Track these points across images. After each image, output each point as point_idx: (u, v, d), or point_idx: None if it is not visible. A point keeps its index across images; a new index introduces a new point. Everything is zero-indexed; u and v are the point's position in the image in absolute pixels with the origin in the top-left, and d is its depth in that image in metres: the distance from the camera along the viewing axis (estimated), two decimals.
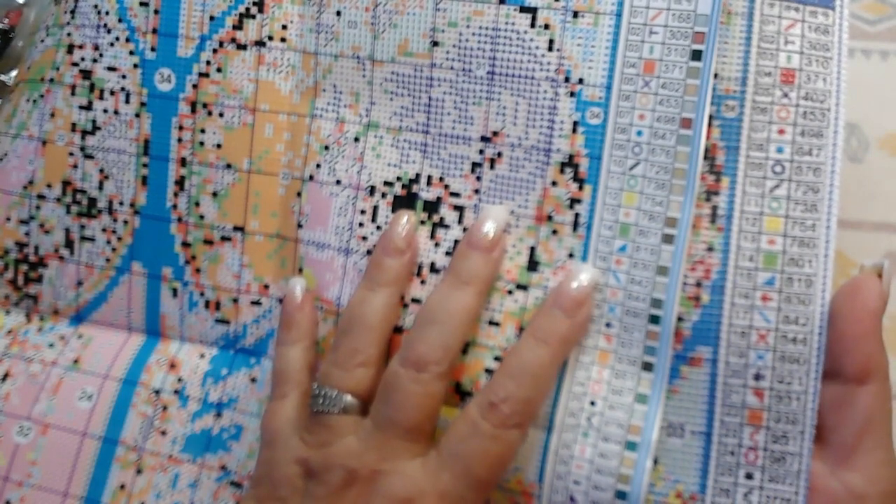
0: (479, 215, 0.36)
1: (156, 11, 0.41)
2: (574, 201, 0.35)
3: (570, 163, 0.35)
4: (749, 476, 0.32)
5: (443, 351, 0.34)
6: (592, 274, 0.34)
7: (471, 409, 0.33)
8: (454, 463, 0.32)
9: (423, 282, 0.37)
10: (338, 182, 0.39)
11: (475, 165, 0.36)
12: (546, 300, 0.35)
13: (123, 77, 0.41)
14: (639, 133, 0.34)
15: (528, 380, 0.33)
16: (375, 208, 0.38)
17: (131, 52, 0.41)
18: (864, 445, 0.31)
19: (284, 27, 0.40)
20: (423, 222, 0.37)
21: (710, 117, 0.33)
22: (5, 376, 0.42)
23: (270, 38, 0.40)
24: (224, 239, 0.41)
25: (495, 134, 0.36)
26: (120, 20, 0.41)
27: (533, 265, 0.35)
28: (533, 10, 0.35)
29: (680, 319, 0.33)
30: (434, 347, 0.34)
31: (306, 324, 0.38)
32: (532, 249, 0.36)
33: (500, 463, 0.33)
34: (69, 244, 0.42)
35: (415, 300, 0.37)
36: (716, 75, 0.33)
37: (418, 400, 0.33)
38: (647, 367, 0.33)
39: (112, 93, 0.41)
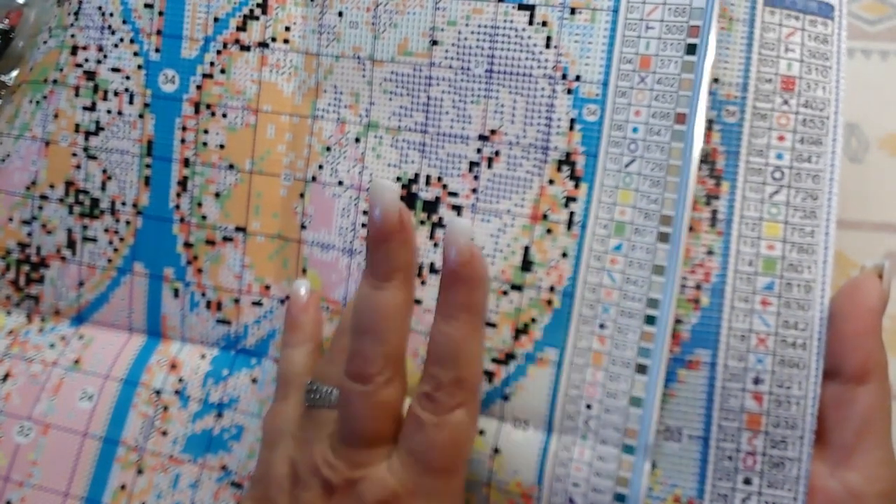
0: (371, 201, 0.33)
1: (160, 13, 0.41)
2: (569, 199, 0.35)
3: (567, 160, 0.35)
4: (747, 481, 0.32)
5: (382, 361, 0.32)
6: (466, 222, 0.31)
7: (412, 405, 0.32)
8: (411, 461, 0.32)
9: (423, 282, 0.37)
10: (340, 183, 0.39)
11: (473, 164, 0.36)
12: (441, 276, 0.33)
13: (127, 78, 0.41)
14: (634, 130, 0.34)
15: (450, 361, 0.32)
16: None
17: (135, 54, 0.41)
18: (863, 445, 0.31)
19: (288, 28, 0.40)
20: (422, 222, 0.37)
21: (711, 121, 0.33)
22: (6, 376, 0.42)
23: (274, 40, 0.40)
24: (226, 239, 0.41)
25: (493, 132, 0.36)
26: (124, 21, 0.41)
27: (527, 265, 0.35)
28: (531, 8, 0.35)
29: (679, 322, 0.33)
30: (372, 360, 0.32)
31: (310, 326, 0.38)
32: (526, 249, 0.35)
33: (453, 447, 0.32)
34: (71, 245, 0.42)
35: (416, 301, 0.37)
36: (717, 80, 0.33)
37: (371, 411, 0.33)
38: (641, 369, 0.33)
39: (116, 94, 0.41)
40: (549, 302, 0.35)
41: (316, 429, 0.34)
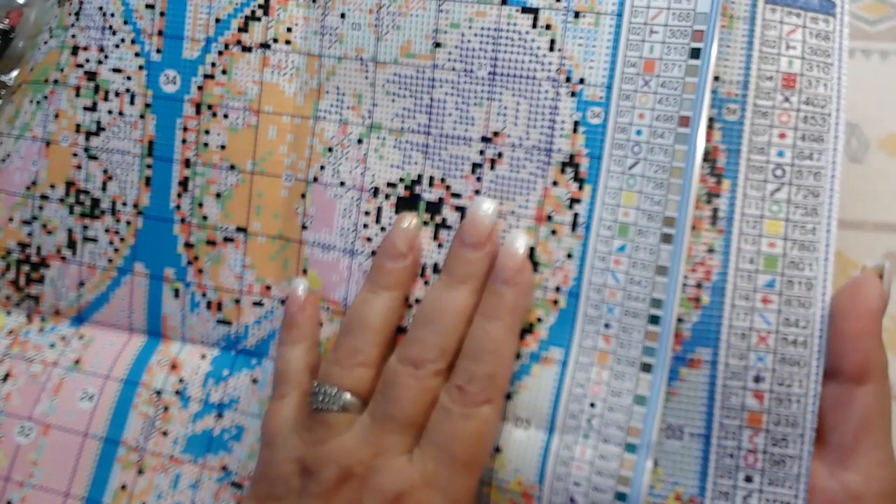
0: (468, 210, 0.36)
1: (161, 14, 0.41)
2: (573, 201, 0.35)
3: (570, 162, 0.35)
4: (748, 479, 0.32)
5: (439, 351, 0.34)
6: (525, 238, 0.35)
7: (441, 398, 0.34)
8: (434, 451, 0.33)
9: (426, 282, 0.37)
10: (342, 184, 0.39)
11: (475, 166, 0.36)
12: (489, 280, 0.35)
13: (128, 78, 0.41)
14: (638, 132, 0.34)
15: (486, 356, 0.33)
16: (379, 209, 0.38)
17: (137, 54, 0.41)
18: (862, 446, 0.31)
19: (289, 30, 0.40)
20: (425, 223, 0.37)
21: (712, 120, 0.33)
22: (6, 377, 0.42)
23: (275, 41, 0.40)
24: (227, 240, 0.41)
25: (496, 134, 0.36)
26: (125, 22, 0.41)
27: (532, 266, 0.36)
28: (535, 11, 0.35)
29: (680, 321, 0.33)
30: (430, 348, 0.34)
31: (308, 324, 0.39)
32: (531, 250, 0.36)
33: (477, 440, 0.33)
34: (72, 245, 0.42)
35: (418, 301, 0.37)
36: (717, 78, 0.33)
37: (415, 394, 0.34)
38: (646, 368, 0.33)
39: (117, 94, 0.41)
40: (556, 302, 0.35)
41: (326, 430, 0.34)
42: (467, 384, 0.33)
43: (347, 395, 0.35)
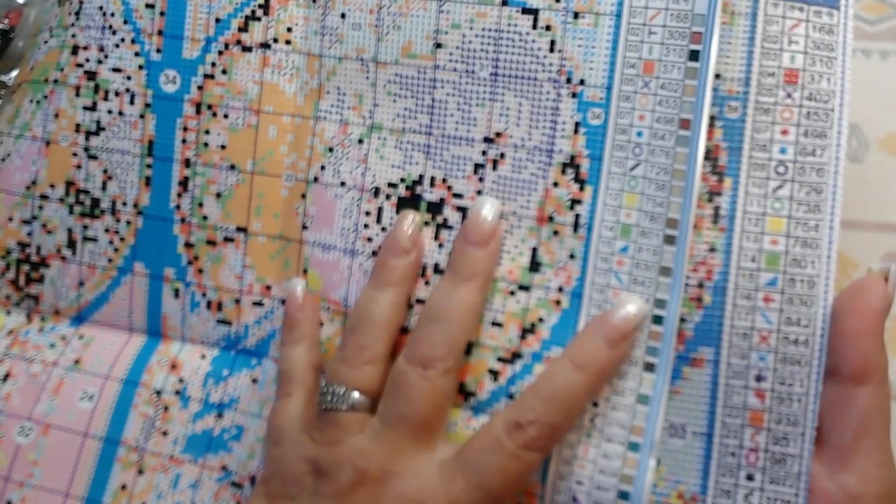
0: (471, 209, 0.36)
1: (161, 13, 0.41)
2: (574, 202, 0.35)
3: (571, 163, 0.35)
4: (750, 477, 0.32)
5: (448, 348, 0.34)
6: (640, 306, 0.33)
7: (496, 425, 0.33)
8: (471, 474, 0.32)
9: (427, 283, 0.37)
10: (342, 184, 0.39)
11: (478, 167, 0.37)
12: (589, 325, 0.34)
13: (128, 78, 0.41)
14: (639, 134, 0.34)
15: (558, 406, 0.33)
16: (380, 210, 0.38)
17: (137, 54, 0.41)
18: (860, 447, 0.31)
19: (289, 30, 0.40)
20: (426, 223, 0.37)
21: (713, 118, 0.33)
22: (6, 377, 0.42)
23: (275, 41, 0.40)
24: (227, 240, 0.41)
25: (498, 135, 0.36)
26: (125, 22, 0.41)
27: (535, 266, 0.36)
28: (535, 12, 0.35)
29: (682, 320, 0.33)
30: (438, 345, 0.34)
31: (308, 323, 0.39)
32: (534, 250, 0.36)
33: (517, 482, 0.33)
34: (71, 244, 0.42)
35: (419, 301, 0.37)
36: (719, 76, 0.33)
37: (426, 394, 0.33)
38: (649, 367, 0.33)
39: (117, 94, 0.41)
40: (558, 302, 0.35)
41: (337, 430, 0.34)
42: (529, 425, 0.32)
43: (356, 394, 0.35)
